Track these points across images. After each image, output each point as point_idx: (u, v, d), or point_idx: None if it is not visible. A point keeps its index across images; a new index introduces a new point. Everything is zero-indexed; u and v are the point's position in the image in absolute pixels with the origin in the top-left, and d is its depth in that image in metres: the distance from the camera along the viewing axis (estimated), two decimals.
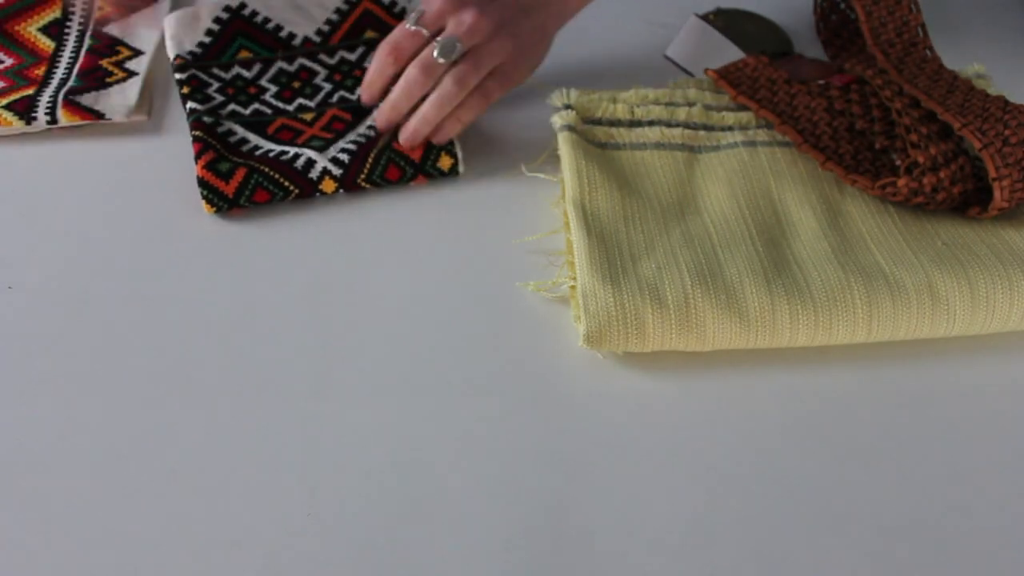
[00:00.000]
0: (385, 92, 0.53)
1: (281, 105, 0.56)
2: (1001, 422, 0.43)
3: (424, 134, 0.52)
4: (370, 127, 0.54)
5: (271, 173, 0.50)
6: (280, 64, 0.57)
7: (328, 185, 0.51)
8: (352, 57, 0.59)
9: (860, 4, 0.58)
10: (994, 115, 0.48)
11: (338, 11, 0.60)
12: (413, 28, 0.51)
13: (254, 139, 0.53)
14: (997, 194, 0.47)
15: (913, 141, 0.50)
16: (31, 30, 0.61)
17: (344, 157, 0.52)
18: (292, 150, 0.52)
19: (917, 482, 0.41)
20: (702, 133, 0.54)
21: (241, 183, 0.50)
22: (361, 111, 0.56)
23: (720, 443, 0.42)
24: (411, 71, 0.51)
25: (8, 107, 0.55)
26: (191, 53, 0.57)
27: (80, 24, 0.62)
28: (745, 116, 0.55)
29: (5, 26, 0.60)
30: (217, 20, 0.58)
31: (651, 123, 0.55)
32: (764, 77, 0.56)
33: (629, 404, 0.43)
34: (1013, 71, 0.59)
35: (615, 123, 0.54)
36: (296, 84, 0.56)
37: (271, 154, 0.52)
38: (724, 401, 0.44)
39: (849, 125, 0.53)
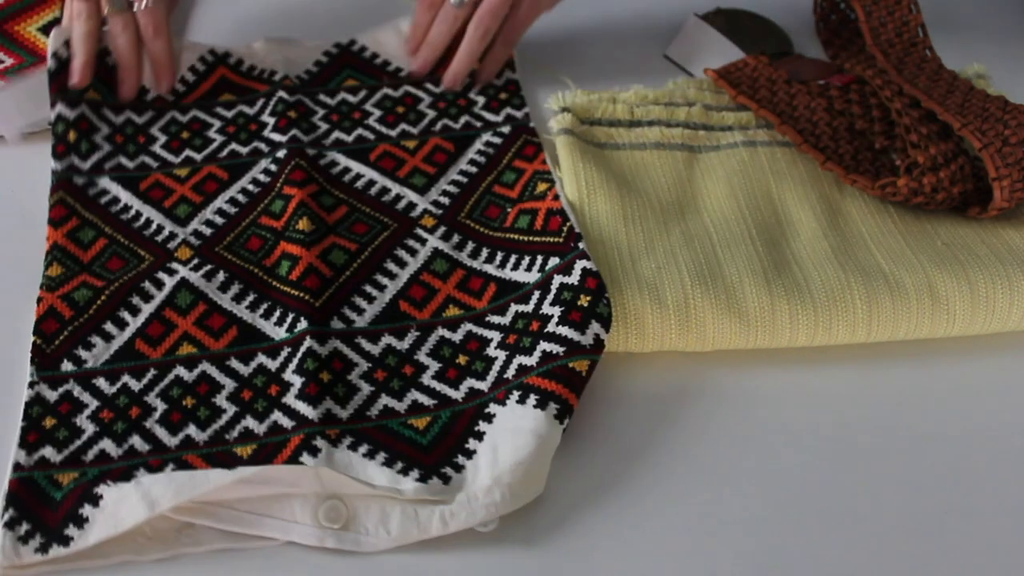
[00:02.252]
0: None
1: (168, 156, 0.53)
2: (1001, 422, 0.43)
3: (463, 72, 0.56)
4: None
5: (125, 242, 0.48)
6: (173, 112, 0.55)
7: (184, 252, 0.48)
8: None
9: (860, 4, 0.58)
10: (994, 115, 0.48)
11: (193, 71, 0.56)
12: None
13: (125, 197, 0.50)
14: (997, 194, 0.47)
15: (913, 141, 0.50)
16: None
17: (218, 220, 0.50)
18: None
19: (916, 482, 0.41)
20: (702, 133, 0.54)
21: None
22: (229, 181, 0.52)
23: (720, 443, 0.42)
24: (435, 25, 0.56)
25: None
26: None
27: None
28: (745, 116, 0.55)
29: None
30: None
31: (651, 123, 0.54)
32: (764, 77, 0.56)
33: (629, 404, 0.43)
34: (1013, 71, 0.59)
35: (615, 123, 0.54)
36: (185, 135, 0.54)
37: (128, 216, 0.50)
38: (724, 401, 0.44)
39: (849, 125, 0.53)
